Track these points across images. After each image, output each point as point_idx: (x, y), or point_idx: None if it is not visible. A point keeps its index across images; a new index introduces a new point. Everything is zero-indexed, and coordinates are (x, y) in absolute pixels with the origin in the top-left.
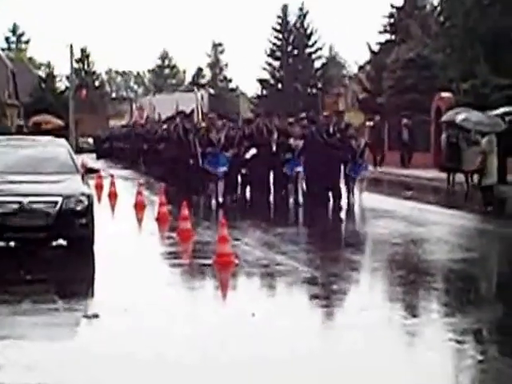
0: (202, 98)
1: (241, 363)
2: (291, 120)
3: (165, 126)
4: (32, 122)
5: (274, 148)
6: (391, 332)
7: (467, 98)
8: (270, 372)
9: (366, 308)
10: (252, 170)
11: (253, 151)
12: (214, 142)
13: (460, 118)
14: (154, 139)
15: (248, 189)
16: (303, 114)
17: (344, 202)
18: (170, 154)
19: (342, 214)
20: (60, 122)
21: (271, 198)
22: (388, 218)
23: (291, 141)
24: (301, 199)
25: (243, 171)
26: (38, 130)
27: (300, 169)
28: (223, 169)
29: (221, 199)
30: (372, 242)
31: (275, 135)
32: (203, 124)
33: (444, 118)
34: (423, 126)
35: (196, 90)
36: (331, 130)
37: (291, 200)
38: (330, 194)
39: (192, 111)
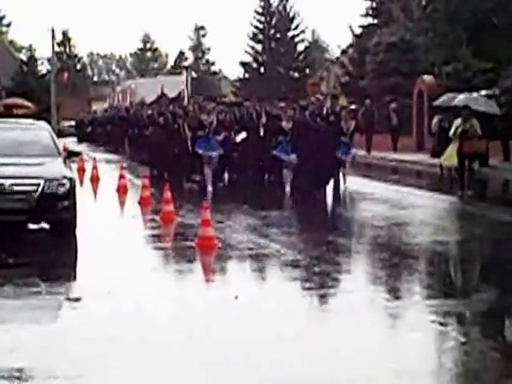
0: (188, 80)
1: (226, 345)
2: (282, 104)
3: (149, 111)
4: (2, 104)
5: (262, 132)
6: (374, 314)
7: (450, 81)
8: (255, 353)
9: (349, 290)
10: (241, 153)
11: (243, 135)
12: (205, 124)
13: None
14: (140, 123)
15: (236, 172)
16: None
17: (331, 188)
18: (158, 138)
19: (328, 198)
20: (33, 107)
21: (259, 181)
22: (380, 202)
23: (283, 124)
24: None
25: (235, 155)
26: (8, 114)
27: (287, 151)
28: (216, 152)
29: (210, 186)
30: (356, 225)
31: (264, 118)
32: (190, 107)
33: (438, 102)
34: (405, 109)
35: (185, 71)
36: (325, 112)
37: (284, 185)
38: (320, 180)
39: (179, 94)
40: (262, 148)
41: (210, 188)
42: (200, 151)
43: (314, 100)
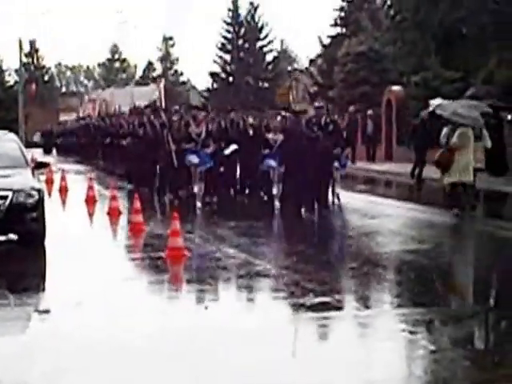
0: (162, 90)
1: (203, 355)
2: (271, 112)
3: (129, 121)
4: None
5: (250, 141)
6: (344, 323)
7: (418, 90)
8: (231, 360)
9: (319, 300)
10: (228, 167)
11: (233, 147)
12: (193, 137)
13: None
14: (118, 134)
15: (223, 186)
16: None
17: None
18: (139, 150)
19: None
20: None
21: (244, 194)
22: (352, 212)
23: (270, 135)
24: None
25: (221, 169)
26: None
27: (273, 163)
28: (207, 166)
29: (199, 202)
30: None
31: (250, 129)
32: (174, 118)
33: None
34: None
35: (162, 80)
36: (323, 121)
37: (273, 200)
38: (315, 195)
39: (154, 102)
40: (250, 161)
41: (199, 204)
42: (188, 165)
43: (312, 109)
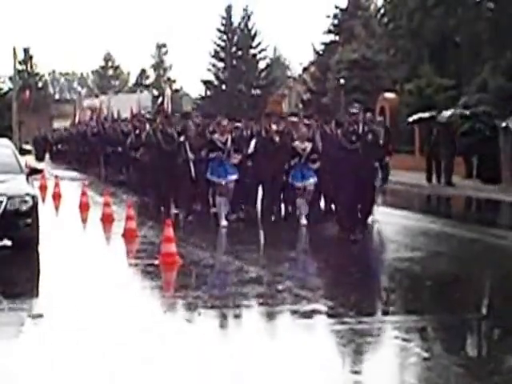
0: (169, 96)
1: (196, 361)
2: (295, 119)
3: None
4: None
5: (277, 150)
6: (337, 330)
7: (411, 98)
8: (225, 369)
9: (312, 307)
10: (252, 178)
11: (253, 142)
12: (219, 145)
13: None
14: (119, 141)
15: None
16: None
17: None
18: (153, 160)
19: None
20: None
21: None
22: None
23: (296, 143)
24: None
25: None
26: None
27: (314, 180)
28: (233, 177)
29: (224, 220)
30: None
31: (276, 136)
32: (190, 123)
33: None
34: None
35: (167, 86)
36: (360, 130)
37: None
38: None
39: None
40: (278, 172)
41: (224, 222)
42: (213, 178)
43: (347, 116)
